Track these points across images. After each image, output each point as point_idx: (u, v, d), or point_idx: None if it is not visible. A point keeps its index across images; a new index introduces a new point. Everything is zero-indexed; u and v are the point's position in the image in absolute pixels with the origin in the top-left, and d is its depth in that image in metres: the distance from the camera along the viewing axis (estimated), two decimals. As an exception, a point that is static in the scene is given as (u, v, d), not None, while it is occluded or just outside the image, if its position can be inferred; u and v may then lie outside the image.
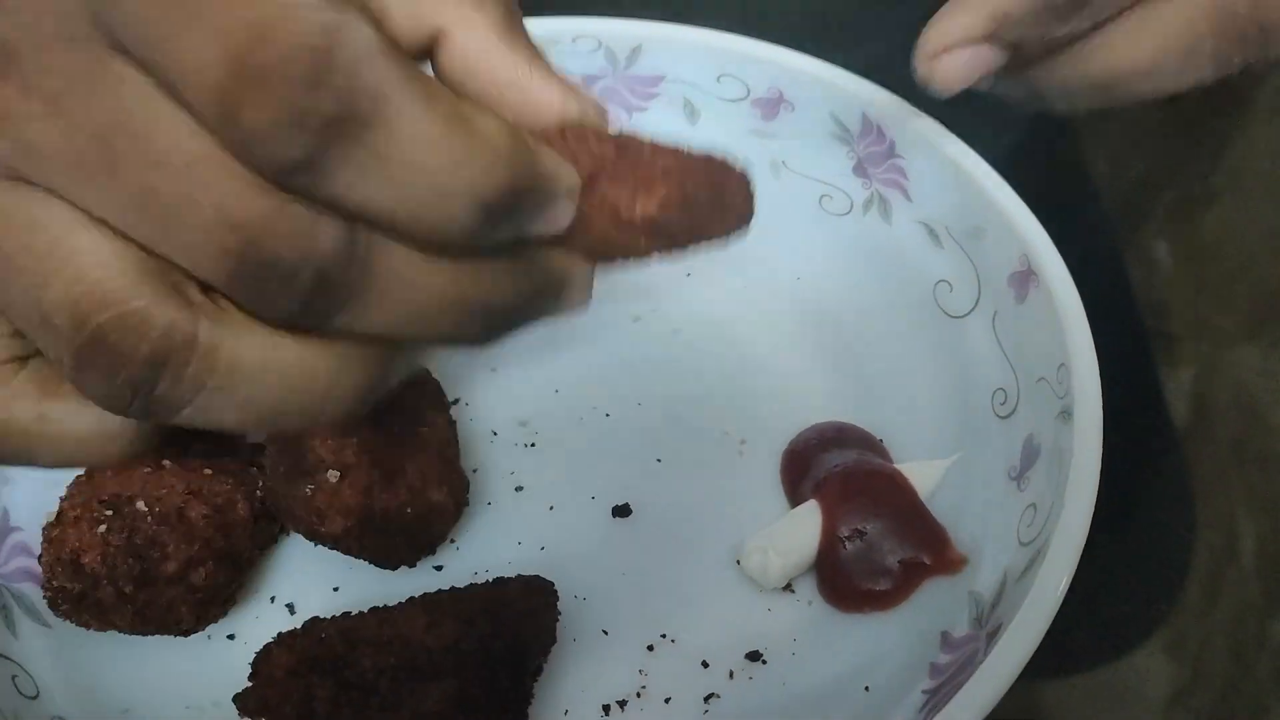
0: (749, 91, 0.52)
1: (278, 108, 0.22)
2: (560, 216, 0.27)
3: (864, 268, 0.50)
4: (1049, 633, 0.35)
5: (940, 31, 0.32)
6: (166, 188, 0.23)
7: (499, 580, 0.41)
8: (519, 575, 0.41)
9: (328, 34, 0.22)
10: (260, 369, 0.24)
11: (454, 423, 0.45)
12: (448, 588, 0.40)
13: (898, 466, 0.44)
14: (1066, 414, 0.39)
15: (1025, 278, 0.44)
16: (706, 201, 0.29)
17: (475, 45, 0.28)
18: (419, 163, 0.24)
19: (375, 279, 0.25)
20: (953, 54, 0.32)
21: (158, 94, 0.23)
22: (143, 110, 0.23)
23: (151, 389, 0.23)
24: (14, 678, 0.39)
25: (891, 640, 0.40)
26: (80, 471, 0.42)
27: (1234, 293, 0.58)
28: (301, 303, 0.23)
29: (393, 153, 0.23)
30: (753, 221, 0.30)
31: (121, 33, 0.22)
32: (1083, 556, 0.36)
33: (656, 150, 0.29)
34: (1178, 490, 0.52)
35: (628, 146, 0.29)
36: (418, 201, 0.24)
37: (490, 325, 0.28)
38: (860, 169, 0.51)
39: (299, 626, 0.38)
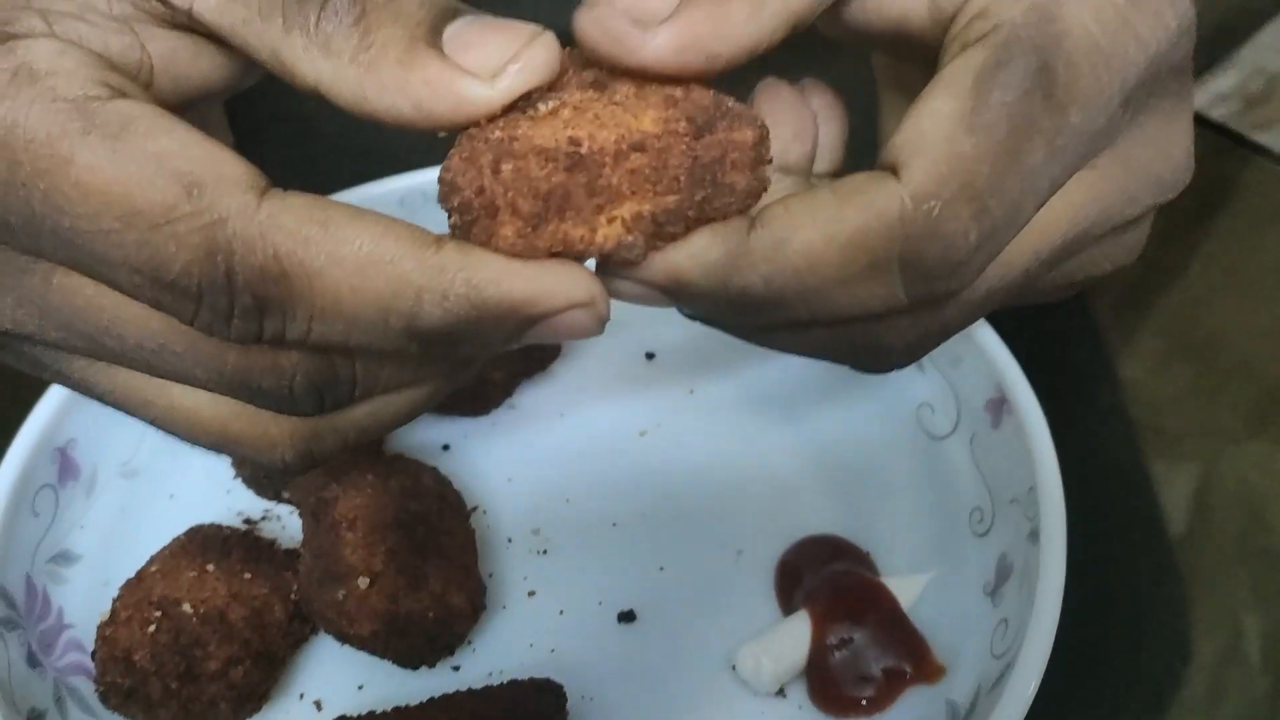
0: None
1: (206, 313, 0.29)
2: (557, 329, 0.29)
3: (853, 390, 0.54)
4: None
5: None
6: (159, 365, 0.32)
7: (512, 682, 0.44)
8: (530, 678, 0.44)
9: (209, 244, 0.28)
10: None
11: (473, 530, 0.49)
12: (465, 688, 0.44)
13: (883, 579, 0.47)
14: (1035, 535, 0.43)
15: (999, 404, 0.48)
16: (691, 193, 0.28)
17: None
18: (342, 314, 0.29)
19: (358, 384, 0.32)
20: (625, 282, 0.30)
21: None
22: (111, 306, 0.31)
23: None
24: (66, 766, 0.42)
25: (874, 744, 0.43)
26: (131, 574, 0.46)
27: (1235, 390, 0.60)
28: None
29: (316, 311, 0.29)
30: (769, 173, 0.29)
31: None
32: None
33: (622, 145, 0.28)
34: (1179, 588, 0.54)
35: (582, 158, 0.28)
36: (361, 338, 0.30)
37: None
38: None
39: (328, 723, 0.42)
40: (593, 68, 0.30)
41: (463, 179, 0.28)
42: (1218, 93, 0.80)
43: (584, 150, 0.28)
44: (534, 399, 0.57)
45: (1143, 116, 0.32)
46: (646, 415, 0.56)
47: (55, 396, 0.50)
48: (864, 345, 0.33)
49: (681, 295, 0.31)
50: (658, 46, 0.29)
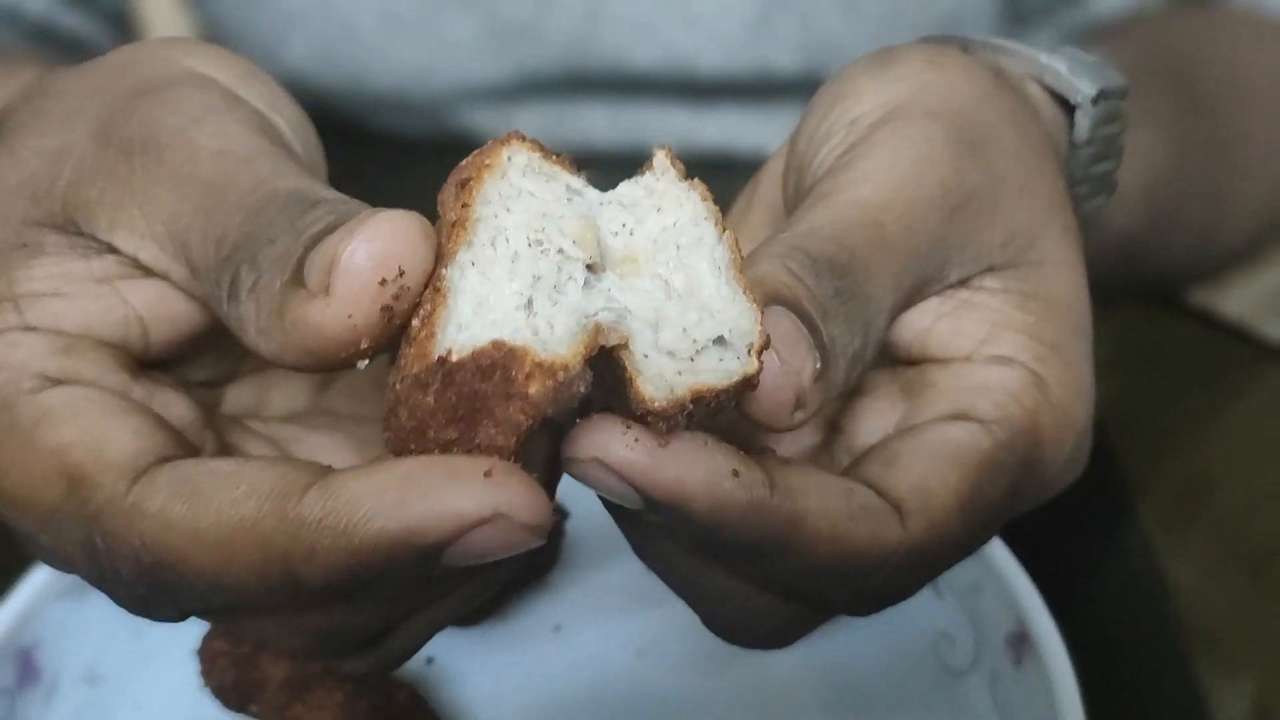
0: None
1: (124, 602, 0.30)
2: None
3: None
4: None
5: (587, 446, 0.29)
6: None
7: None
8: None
9: (87, 542, 0.28)
10: None
11: (446, 760, 0.45)
12: None
13: (892, 835, 0.43)
14: (1060, 797, 0.39)
15: (1020, 640, 0.44)
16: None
17: None
18: (226, 587, 0.28)
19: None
20: (611, 476, 0.29)
21: None
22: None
23: None
24: None
25: None
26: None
27: (1295, 599, 0.57)
28: None
29: (202, 589, 0.28)
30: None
31: None
32: None
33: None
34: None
35: (453, 365, 0.26)
36: (264, 603, 0.29)
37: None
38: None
39: None
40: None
41: (393, 444, 0.27)
42: (1265, 291, 0.79)
43: (452, 359, 0.26)
44: (527, 611, 0.54)
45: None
46: (645, 633, 0.52)
47: (23, 595, 0.48)
48: (748, 611, 0.34)
49: (674, 511, 0.29)
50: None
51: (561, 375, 0.27)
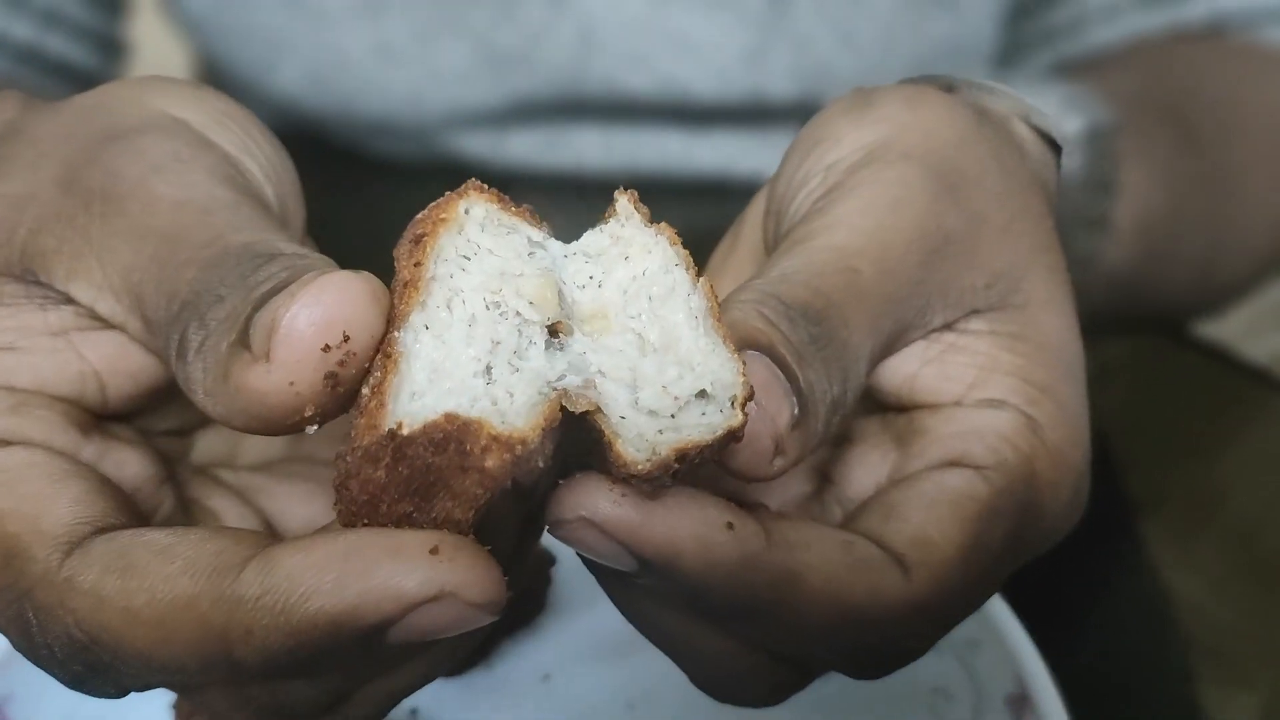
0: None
1: (65, 680, 0.29)
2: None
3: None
4: None
5: (573, 505, 0.28)
6: None
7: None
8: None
9: (20, 620, 0.27)
10: None
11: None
12: None
13: None
14: None
15: (1020, 702, 0.43)
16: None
17: None
18: (165, 666, 0.27)
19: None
20: (599, 536, 0.28)
21: None
22: None
23: None
24: None
25: None
26: None
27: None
28: None
29: (140, 667, 0.27)
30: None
31: None
32: None
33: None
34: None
35: (403, 440, 0.25)
36: (204, 680, 0.28)
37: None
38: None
39: None
40: None
41: (344, 517, 0.26)
42: (1248, 313, 0.79)
43: (403, 432, 0.25)
44: (515, 658, 0.52)
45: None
46: (636, 683, 0.51)
47: (-6, 650, 0.47)
48: (738, 670, 0.33)
49: (665, 569, 0.28)
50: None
51: (519, 449, 0.26)
